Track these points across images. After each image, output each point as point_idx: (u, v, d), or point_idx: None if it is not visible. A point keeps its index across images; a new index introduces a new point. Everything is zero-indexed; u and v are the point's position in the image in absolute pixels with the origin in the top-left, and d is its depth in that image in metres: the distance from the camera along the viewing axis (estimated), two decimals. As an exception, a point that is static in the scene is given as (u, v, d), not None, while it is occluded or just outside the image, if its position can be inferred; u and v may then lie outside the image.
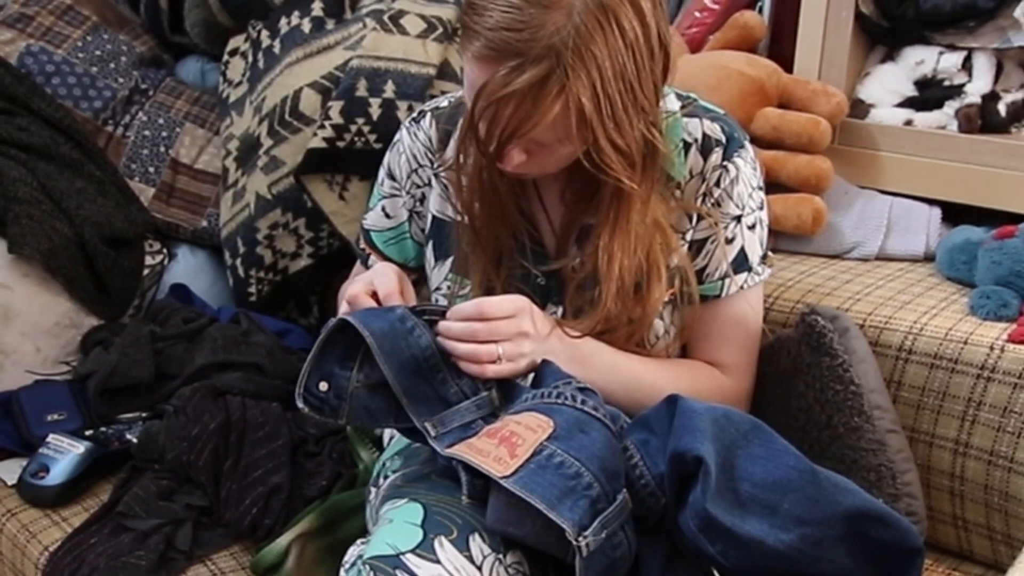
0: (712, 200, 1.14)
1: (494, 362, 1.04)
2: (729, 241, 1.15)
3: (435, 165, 1.22)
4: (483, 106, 0.97)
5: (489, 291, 1.14)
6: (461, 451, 0.95)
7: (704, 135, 1.13)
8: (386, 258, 1.30)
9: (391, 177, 1.27)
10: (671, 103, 1.14)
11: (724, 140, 1.13)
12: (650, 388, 1.10)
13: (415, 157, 1.24)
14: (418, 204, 1.26)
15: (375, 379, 1.03)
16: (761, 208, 1.17)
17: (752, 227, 1.16)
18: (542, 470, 0.89)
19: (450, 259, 1.22)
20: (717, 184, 1.13)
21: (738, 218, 1.15)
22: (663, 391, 1.02)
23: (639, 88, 0.99)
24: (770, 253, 1.20)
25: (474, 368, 1.03)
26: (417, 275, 1.30)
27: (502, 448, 0.92)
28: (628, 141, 1.00)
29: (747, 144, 1.15)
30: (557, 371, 1.05)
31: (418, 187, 1.25)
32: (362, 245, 1.33)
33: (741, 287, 1.16)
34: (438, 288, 1.24)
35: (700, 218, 1.14)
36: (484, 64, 0.97)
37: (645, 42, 0.97)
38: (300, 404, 1.03)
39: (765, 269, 1.18)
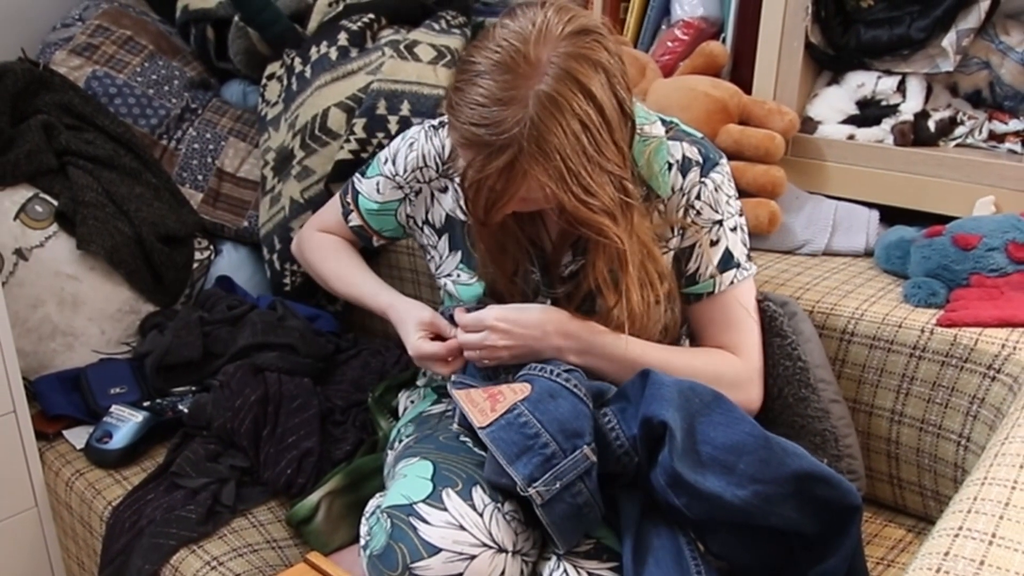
0: (694, 211, 1.11)
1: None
2: (714, 243, 1.12)
3: (446, 169, 1.19)
4: (467, 185, 0.98)
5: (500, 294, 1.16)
6: (459, 396, 0.99)
7: (684, 156, 1.10)
8: (364, 221, 1.29)
9: (393, 162, 1.23)
10: (657, 129, 1.11)
11: (701, 160, 1.10)
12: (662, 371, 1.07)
13: (423, 157, 1.20)
14: (413, 196, 1.23)
15: None
16: (740, 215, 1.15)
17: (734, 229, 1.13)
18: (509, 427, 0.92)
19: (460, 252, 1.20)
20: (698, 197, 1.10)
21: (720, 222, 1.12)
22: (675, 373, 0.99)
23: (600, 157, 0.95)
24: (751, 255, 1.18)
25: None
26: (386, 242, 1.34)
27: (487, 402, 0.96)
28: (602, 200, 0.96)
29: (722, 162, 1.13)
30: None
31: (419, 183, 1.22)
32: (348, 199, 1.30)
33: (732, 282, 1.13)
34: (449, 275, 1.21)
35: (684, 229, 1.12)
36: (464, 150, 0.97)
37: (600, 119, 0.94)
38: None
39: (751, 265, 1.16)
